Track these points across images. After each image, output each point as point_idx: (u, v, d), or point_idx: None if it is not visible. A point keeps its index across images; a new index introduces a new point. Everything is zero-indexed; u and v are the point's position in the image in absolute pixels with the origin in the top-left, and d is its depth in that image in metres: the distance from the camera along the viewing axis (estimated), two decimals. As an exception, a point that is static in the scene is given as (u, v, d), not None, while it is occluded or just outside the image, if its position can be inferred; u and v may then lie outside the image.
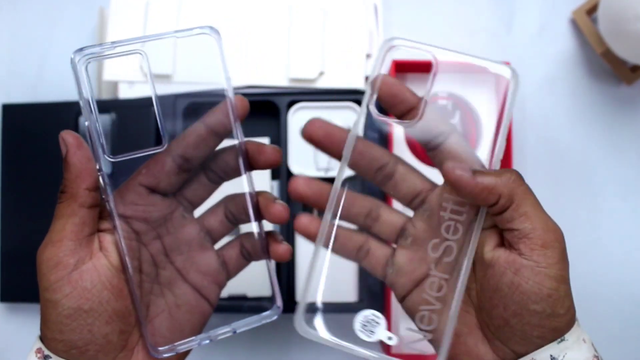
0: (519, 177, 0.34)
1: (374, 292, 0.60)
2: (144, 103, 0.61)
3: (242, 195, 0.39)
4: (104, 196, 0.36)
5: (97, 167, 0.36)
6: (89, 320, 0.34)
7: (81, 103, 0.36)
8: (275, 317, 0.39)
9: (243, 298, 0.56)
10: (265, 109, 0.62)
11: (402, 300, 0.38)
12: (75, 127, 0.62)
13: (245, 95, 0.63)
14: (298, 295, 0.37)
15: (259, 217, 0.39)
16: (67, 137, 0.36)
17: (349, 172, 0.37)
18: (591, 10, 0.66)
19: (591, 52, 0.68)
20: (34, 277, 0.62)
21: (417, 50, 0.37)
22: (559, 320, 0.32)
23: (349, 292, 0.60)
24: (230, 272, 0.40)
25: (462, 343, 0.35)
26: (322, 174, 0.61)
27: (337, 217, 0.37)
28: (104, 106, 0.62)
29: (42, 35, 0.69)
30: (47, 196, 0.63)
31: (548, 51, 0.68)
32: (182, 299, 0.38)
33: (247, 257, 0.40)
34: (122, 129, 0.61)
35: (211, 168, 0.39)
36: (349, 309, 0.62)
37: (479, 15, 0.69)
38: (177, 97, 0.60)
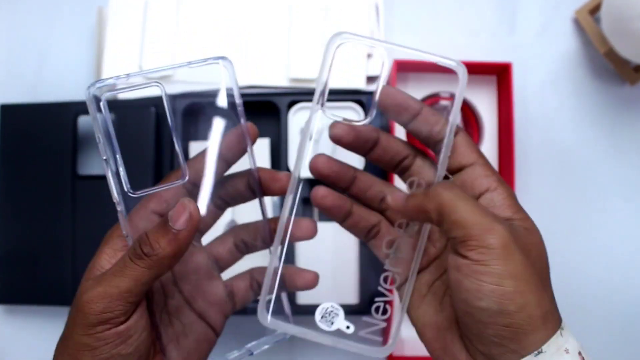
0: (447, 187, 0.34)
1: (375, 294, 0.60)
2: (144, 103, 0.61)
3: (255, 223, 0.40)
4: (124, 232, 0.36)
5: (117, 201, 0.35)
6: None
7: (98, 137, 0.35)
8: (287, 337, 0.40)
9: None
10: (266, 109, 0.62)
11: (398, 287, 0.39)
12: (74, 128, 0.62)
13: (245, 95, 0.64)
14: (264, 287, 0.38)
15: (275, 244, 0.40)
16: (195, 213, 0.34)
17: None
18: (594, 10, 0.66)
19: (594, 52, 0.67)
20: (33, 279, 0.63)
21: (366, 45, 0.37)
22: (510, 317, 0.31)
23: (350, 295, 0.60)
24: (236, 303, 0.40)
25: (441, 338, 0.35)
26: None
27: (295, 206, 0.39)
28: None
29: (40, 35, 0.69)
30: (46, 198, 0.63)
31: (550, 51, 0.68)
32: (189, 328, 0.38)
33: (258, 291, 0.40)
34: (122, 130, 0.61)
35: (218, 194, 0.39)
36: (351, 311, 0.62)
37: (480, 15, 0.69)
38: (176, 97, 0.60)
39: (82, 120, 0.63)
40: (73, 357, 0.33)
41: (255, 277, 0.40)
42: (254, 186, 0.39)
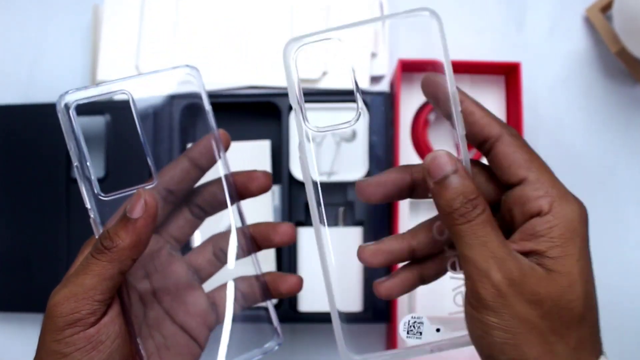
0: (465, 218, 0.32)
1: (379, 301, 0.59)
2: (140, 105, 0.61)
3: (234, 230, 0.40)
4: (97, 236, 0.36)
5: (89, 206, 0.36)
6: None
7: (69, 145, 0.36)
8: (276, 348, 0.40)
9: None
10: (266, 110, 0.62)
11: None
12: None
13: (245, 95, 0.64)
14: (335, 327, 0.36)
15: (254, 251, 0.40)
16: (150, 200, 0.34)
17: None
18: (605, 8, 0.66)
19: (606, 51, 0.67)
20: (26, 285, 0.62)
21: (322, 37, 0.37)
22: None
23: (354, 302, 0.59)
24: (220, 315, 0.40)
25: None
26: (324, 179, 0.60)
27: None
28: (98, 108, 0.62)
29: (34, 33, 0.69)
30: (40, 201, 0.63)
31: (561, 50, 0.68)
32: (171, 341, 0.38)
33: (241, 302, 0.41)
34: (117, 131, 0.61)
35: (196, 203, 0.40)
36: (355, 319, 0.61)
37: (488, 12, 0.68)
38: (174, 97, 0.60)
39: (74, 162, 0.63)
40: None
41: (238, 287, 0.40)
42: (231, 192, 0.39)
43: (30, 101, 0.67)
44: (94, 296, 0.33)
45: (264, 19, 0.66)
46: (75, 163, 0.35)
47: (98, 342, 0.33)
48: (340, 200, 0.62)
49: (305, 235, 0.60)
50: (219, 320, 0.40)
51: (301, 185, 0.61)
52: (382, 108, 0.60)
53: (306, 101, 0.61)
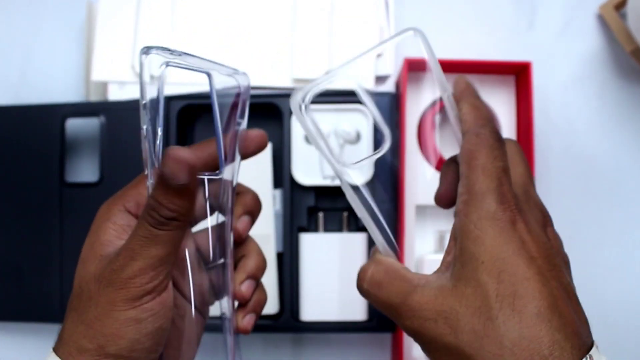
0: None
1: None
2: (136, 105, 0.60)
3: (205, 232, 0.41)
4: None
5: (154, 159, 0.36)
6: (162, 340, 0.36)
7: (144, 108, 0.36)
8: None
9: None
10: (267, 112, 0.62)
11: None
12: (62, 132, 0.62)
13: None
14: None
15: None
16: (190, 158, 0.34)
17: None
18: (619, 5, 0.66)
19: (620, 50, 0.67)
20: (17, 294, 0.62)
21: (325, 80, 0.40)
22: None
23: (358, 311, 0.59)
24: (215, 293, 0.42)
25: None
26: (328, 182, 0.60)
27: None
28: (92, 108, 0.62)
29: (25, 31, 0.69)
30: (31, 207, 0.63)
31: (573, 49, 0.68)
32: (181, 310, 0.40)
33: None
34: (112, 133, 0.61)
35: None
36: (360, 328, 0.61)
37: (498, 10, 0.68)
38: (170, 99, 0.60)
39: (71, 124, 0.63)
40: (115, 335, 0.34)
41: (211, 278, 0.42)
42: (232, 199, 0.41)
43: (21, 102, 0.67)
44: (168, 261, 0.35)
45: (265, 18, 0.66)
46: (144, 126, 0.36)
47: (168, 308, 0.35)
48: (344, 204, 0.62)
49: (307, 242, 0.60)
50: (217, 297, 0.42)
51: (303, 189, 0.61)
52: (388, 109, 0.60)
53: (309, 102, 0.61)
